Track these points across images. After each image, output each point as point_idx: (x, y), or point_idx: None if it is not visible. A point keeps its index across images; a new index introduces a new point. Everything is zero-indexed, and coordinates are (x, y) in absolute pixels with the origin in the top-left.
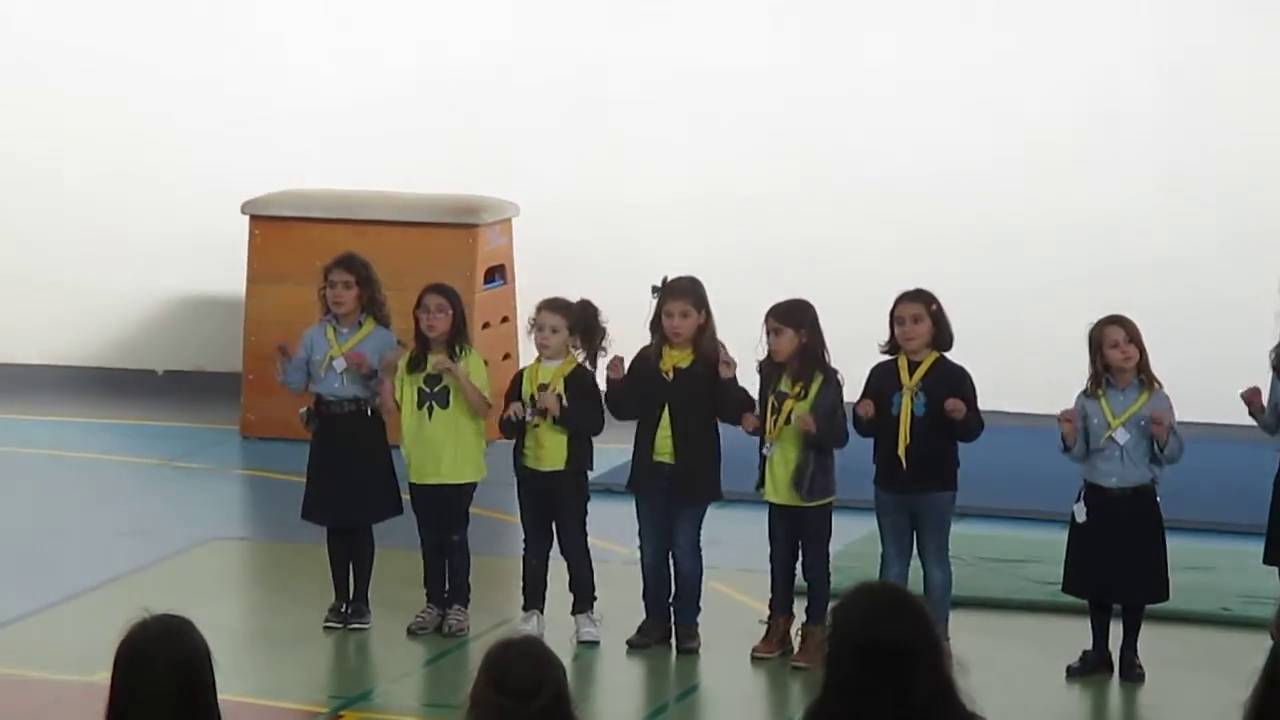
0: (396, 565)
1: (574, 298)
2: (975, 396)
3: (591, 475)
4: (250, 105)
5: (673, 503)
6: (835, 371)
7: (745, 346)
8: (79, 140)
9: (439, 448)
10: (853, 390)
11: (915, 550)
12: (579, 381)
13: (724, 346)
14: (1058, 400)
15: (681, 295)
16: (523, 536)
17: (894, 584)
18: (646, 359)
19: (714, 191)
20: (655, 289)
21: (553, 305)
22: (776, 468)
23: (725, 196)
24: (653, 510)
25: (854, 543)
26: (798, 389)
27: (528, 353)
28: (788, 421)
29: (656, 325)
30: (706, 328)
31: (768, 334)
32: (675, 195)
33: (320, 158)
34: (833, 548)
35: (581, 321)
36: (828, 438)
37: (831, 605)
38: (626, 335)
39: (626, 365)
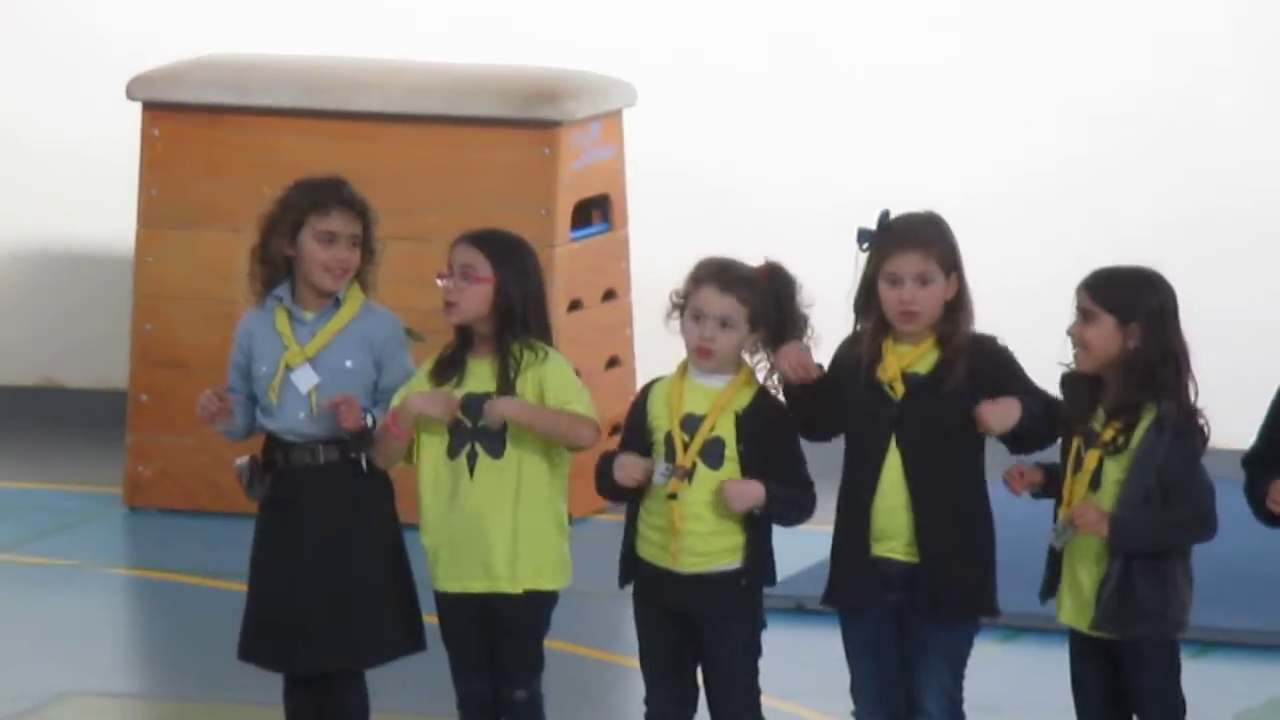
0: None
1: (749, 259)
2: None
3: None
4: None
5: (911, 628)
6: (1191, 407)
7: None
8: None
9: (488, 529)
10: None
11: None
12: (768, 423)
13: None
14: None
15: (915, 245)
16: (643, 694)
17: None
18: (851, 362)
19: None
20: (866, 236)
21: (723, 279)
22: (1078, 569)
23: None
24: (874, 650)
25: (1251, 710)
26: (1111, 433)
27: (653, 358)
28: (1093, 488)
29: (869, 301)
30: (960, 305)
31: (1076, 318)
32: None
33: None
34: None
35: (771, 305)
36: (1148, 539)
37: None
38: (828, 334)
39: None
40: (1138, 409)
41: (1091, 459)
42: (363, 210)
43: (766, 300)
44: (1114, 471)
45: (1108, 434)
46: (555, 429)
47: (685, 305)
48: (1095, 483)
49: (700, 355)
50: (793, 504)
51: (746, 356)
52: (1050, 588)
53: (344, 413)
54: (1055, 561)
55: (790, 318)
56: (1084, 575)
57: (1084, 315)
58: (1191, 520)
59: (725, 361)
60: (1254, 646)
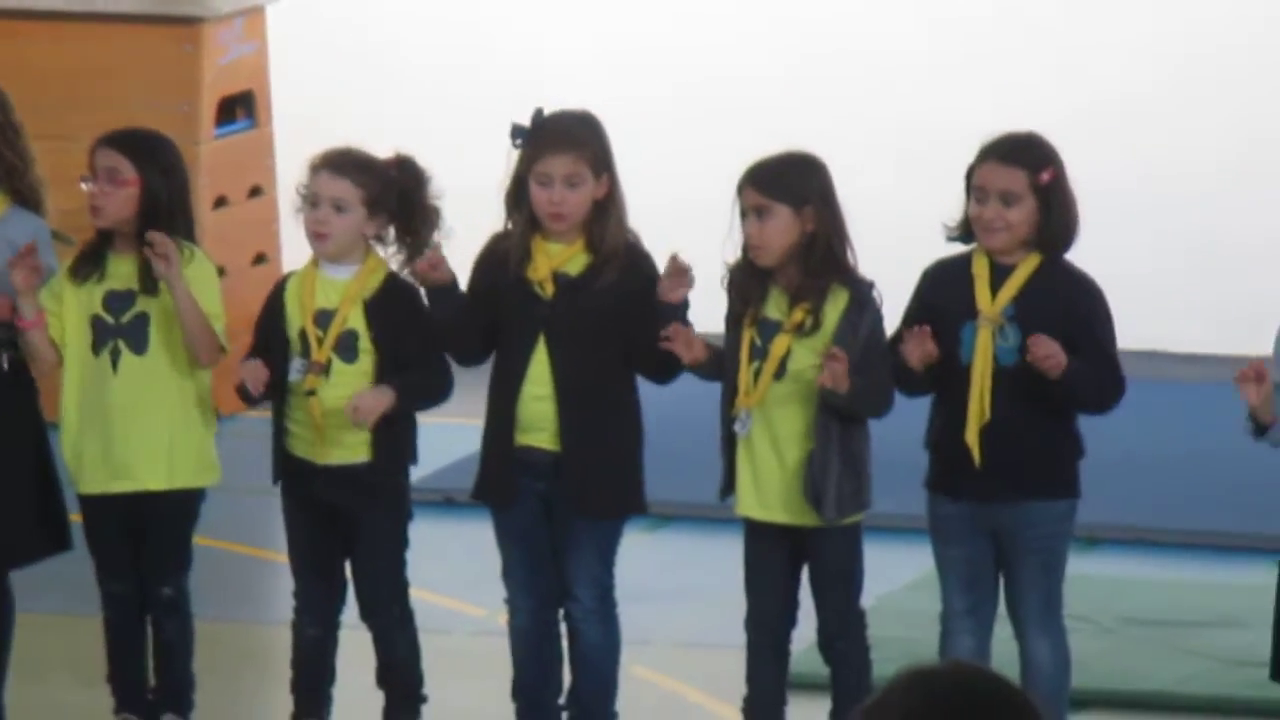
0: (56, 643)
1: (384, 154)
2: (1109, 333)
3: (413, 475)
4: None
5: (560, 519)
6: (869, 285)
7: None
8: None
9: (132, 427)
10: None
11: (1004, 605)
12: (395, 307)
13: (677, 257)
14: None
15: (567, 147)
16: (292, 588)
17: (976, 668)
18: (501, 259)
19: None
20: (519, 133)
21: (337, 163)
22: (760, 459)
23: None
24: (524, 537)
25: (894, 593)
26: (800, 316)
27: (299, 253)
28: (778, 376)
29: (519, 198)
30: (610, 206)
31: (743, 217)
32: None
33: None
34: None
35: (393, 194)
36: (861, 401)
37: (864, 706)
38: (478, 228)
39: (456, 265)
40: (824, 290)
41: (780, 345)
42: None
43: (388, 187)
44: (805, 355)
45: (796, 317)
46: (197, 336)
47: (304, 195)
48: (778, 374)
49: (316, 239)
50: (422, 390)
51: (378, 248)
52: (731, 483)
53: (23, 264)
54: (732, 456)
55: (419, 209)
56: (767, 464)
57: (757, 212)
58: (887, 389)
59: (343, 246)
60: (891, 529)
